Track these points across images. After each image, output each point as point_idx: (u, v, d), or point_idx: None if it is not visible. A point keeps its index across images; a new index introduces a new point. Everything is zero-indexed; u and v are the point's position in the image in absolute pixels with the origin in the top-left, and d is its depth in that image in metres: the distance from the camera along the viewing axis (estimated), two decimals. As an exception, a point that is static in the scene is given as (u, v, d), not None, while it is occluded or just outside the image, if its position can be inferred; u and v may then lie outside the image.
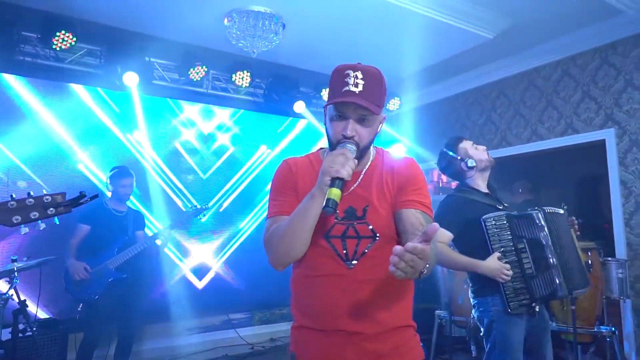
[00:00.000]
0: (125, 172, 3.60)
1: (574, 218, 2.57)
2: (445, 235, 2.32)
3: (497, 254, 2.24)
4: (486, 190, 2.50)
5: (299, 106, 4.71)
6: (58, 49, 3.57)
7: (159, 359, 4.27)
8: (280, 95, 4.73)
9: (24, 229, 1.31)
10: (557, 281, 2.21)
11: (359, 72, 1.30)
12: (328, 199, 1.20)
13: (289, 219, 1.31)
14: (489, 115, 5.28)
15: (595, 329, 3.43)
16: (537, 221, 2.28)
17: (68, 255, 3.37)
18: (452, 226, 2.33)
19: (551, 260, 2.23)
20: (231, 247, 5.02)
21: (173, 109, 4.63)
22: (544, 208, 2.36)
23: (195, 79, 4.19)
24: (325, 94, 4.97)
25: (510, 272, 2.21)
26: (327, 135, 1.39)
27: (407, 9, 3.72)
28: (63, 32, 3.49)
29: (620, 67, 4.11)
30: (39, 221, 1.30)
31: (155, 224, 4.43)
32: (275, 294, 5.16)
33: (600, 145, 4.24)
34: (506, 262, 2.24)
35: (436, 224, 1.04)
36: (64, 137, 4.04)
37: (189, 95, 4.52)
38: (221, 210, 4.93)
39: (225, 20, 3.64)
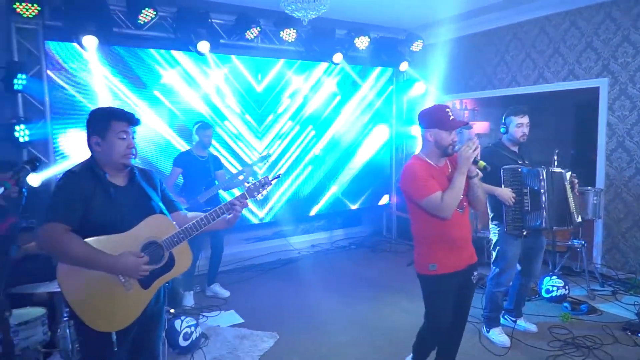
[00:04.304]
0: (207, 125, 4.49)
1: (575, 178, 3.50)
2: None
3: (508, 189, 3.28)
4: (514, 149, 3.45)
5: (337, 57, 5.41)
6: (142, 23, 4.25)
7: (229, 263, 5.51)
8: (320, 45, 5.40)
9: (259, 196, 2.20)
10: (543, 218, 3.26)
11: (449, 108, 2.40)
12: (485, 166, 2.34)
13: (455, 188, 2.30)
14: (502, 56, 5.91)
15: (569, 242, 4.57)
16: (540, 176, 3.28)
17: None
18: None
19: (543, 204, 3.26)
20: (287, 185, 6.08)
21: (235, 64, 5.37)
22: (549, 167, 3.32)
23: (250, 38, 4.88)
24: (357, 41, 5.61)
25: (515, 199, 3.24)
26: (439, 142, 2.38)
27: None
28: (147, 8, 4.15)
29: (620, 23, 4.70)
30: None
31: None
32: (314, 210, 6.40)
33: (595, 90, 4.98)
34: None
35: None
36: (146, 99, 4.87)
37: (243, 50, 5.22)
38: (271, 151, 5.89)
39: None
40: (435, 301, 2.53)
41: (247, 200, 2.11)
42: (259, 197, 2.16)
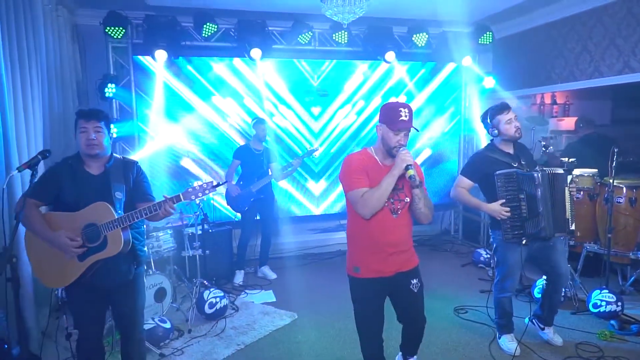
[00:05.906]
0: (262, 120, 5.04)
1: (572, 183, 3.19)
2: (465, 182, 3.25)
3: (501, 201, 3.09)
4: (508, 151, 3.20)
5: (390, 56, 5.48)
6: (206, 35, 4.94)
7: (292, 250, 6.00)
8: (376, 44, 5.53)
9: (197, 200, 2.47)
10: (542, 225, 3.04)
11: (406, 108, 2.30)
12: (412, 175, 2.22)
13: (380, 188, 2.25)
14: (585, 44, 5.31)
15: (631, 254, 4.01)
16: (536, 180, 3.05)
17: (227, 180, 5.03)
18: (473, 176, 3.24)
19: (540, 209, 3.03)
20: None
21: (297, 66, 5.85)
22: (546, 169, 3.08)
23: (303, 42, 5.27)
24: (416, 38, 5.59)
25: (508, 214, 3.06)
26: (385, 140, 2.35)
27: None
28: (208, 23, 4.82)
29: None
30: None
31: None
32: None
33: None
34: (509, 207, 3.09)
35: None
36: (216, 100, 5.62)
37: (300, 53, 5.63)
38: (328, 149, 6.20)
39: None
40: (357, 305, 2.51)
41: (174, 205, 2.29)
42: (197, 200, 2.34)
